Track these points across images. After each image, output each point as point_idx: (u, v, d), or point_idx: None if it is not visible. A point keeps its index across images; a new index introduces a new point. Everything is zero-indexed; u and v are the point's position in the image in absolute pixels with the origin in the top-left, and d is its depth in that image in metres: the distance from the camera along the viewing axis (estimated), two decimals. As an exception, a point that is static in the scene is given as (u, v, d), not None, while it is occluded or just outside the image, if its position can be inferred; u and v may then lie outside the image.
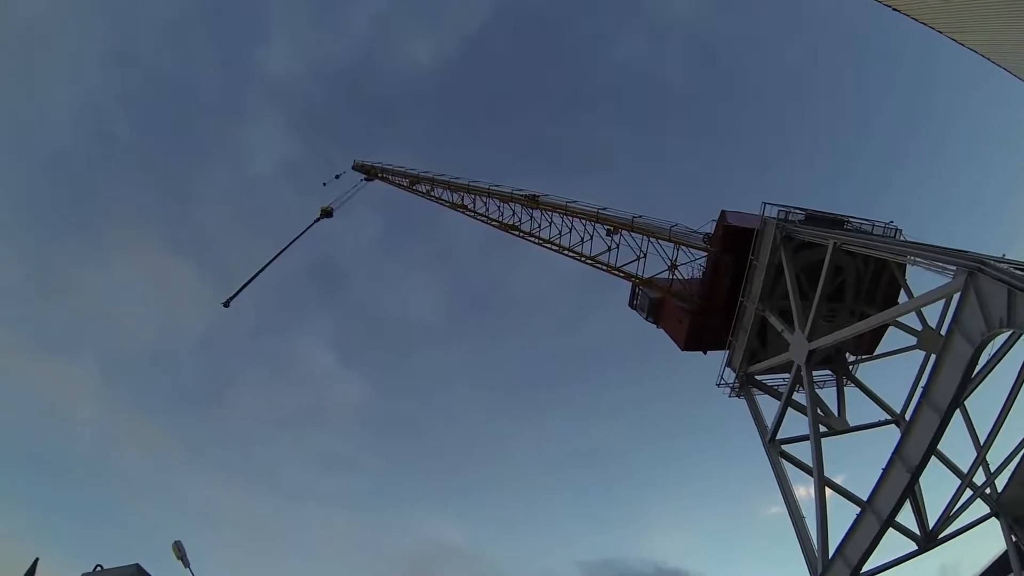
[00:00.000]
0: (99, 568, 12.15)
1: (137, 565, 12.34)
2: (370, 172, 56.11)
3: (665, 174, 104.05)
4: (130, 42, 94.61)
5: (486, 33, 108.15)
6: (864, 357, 27.01)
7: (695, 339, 26.85)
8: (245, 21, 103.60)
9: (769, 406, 24.99)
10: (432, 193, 44.89)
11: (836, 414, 25.32)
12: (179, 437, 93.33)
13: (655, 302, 28.43)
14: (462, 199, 40.94)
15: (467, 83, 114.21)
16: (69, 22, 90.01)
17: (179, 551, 13.96)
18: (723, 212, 25.67)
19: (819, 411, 23.19)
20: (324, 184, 57.83)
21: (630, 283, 29.74)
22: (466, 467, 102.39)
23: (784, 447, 23.42)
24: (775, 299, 24.46)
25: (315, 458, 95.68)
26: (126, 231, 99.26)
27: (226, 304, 45.07)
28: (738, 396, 26.08)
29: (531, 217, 34.57)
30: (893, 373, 26.28)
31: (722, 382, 26.47)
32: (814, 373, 23.25)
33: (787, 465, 23.04)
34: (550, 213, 33.16)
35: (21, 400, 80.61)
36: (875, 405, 25.34)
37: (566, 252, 32.24)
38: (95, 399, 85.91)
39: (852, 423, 24.84)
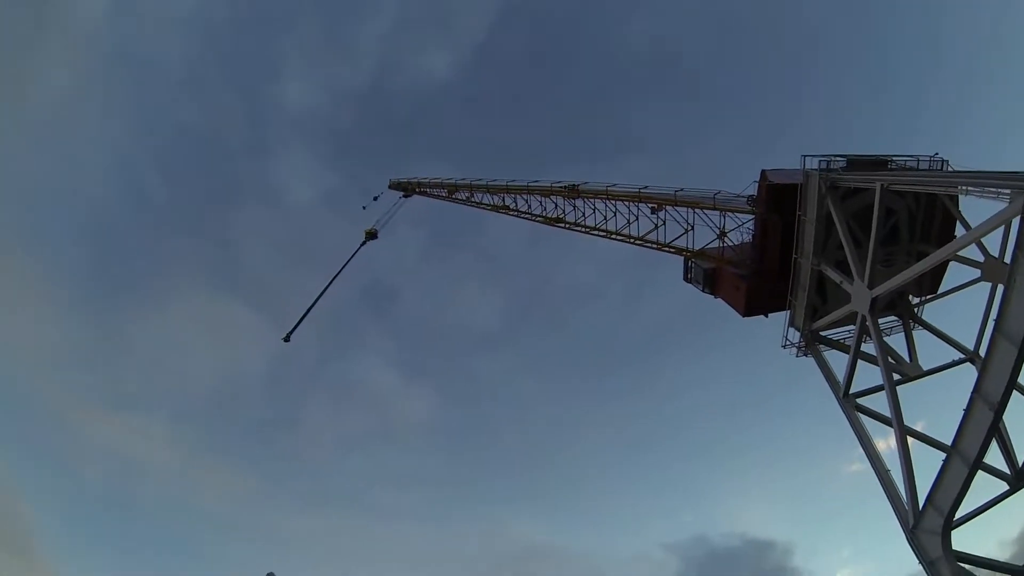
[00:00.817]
0: None
1: None
2: (407, 188, 57.10)
3: (689, 146, 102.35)
4: (153, 98, 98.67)
5: (491, 36, 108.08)
6: (928, 297, 26.42)
7: (754, 304, 26.73)
8: (258, 61, 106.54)
9: (838, 361, 24.70)
10: (472, 199, 45.46)
11: (908, 360, 24.93)
12: (257, 472, 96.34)
13: (710, 272, 28.35)
14: (503, 200, 41.39)
15: (479, 85, 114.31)
16: (95, 88, 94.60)
17: None
18: (763, 172, 25.48)
19: (890, 359, 22.85)
20: (364, 208, 59.47)
21: (682, 257, 29.78)
22: (537, 465, 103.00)
23: (859, 400, 23.10)
24: (829, 251, 24.22)
25: (392, 475, 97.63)
26: (177, 281, 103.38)
27: (286, 339, 46.43)
28: (805, 355, 25.81)
29: (574, 207, 34.86)
30: (961, 309, 25.53)
31: (787, 343, 26.23)
32: (880, 321, 22.89)
33: (864, 419, 22.69)
34: (592, 200, 33.40)
35: (101, 456, 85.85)
36: (947, 345, 24.75)
37: (614, 236, 32.41)
38: (169, 446, 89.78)
39: (925, 367, 24.40)
